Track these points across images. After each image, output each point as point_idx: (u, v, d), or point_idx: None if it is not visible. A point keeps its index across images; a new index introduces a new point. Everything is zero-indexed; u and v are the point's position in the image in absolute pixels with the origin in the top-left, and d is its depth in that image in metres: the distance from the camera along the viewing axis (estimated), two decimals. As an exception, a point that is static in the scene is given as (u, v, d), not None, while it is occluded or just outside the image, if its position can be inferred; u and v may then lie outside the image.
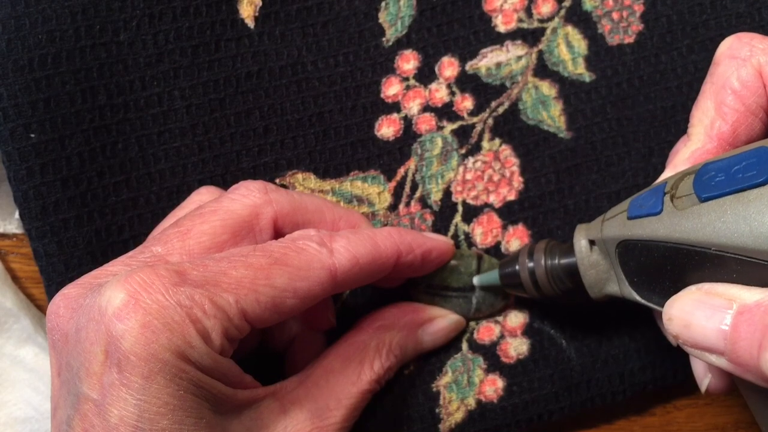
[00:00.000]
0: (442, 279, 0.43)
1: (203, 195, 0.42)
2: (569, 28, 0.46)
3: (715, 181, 0.31)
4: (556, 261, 0.40)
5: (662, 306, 0.34)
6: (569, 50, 0.46)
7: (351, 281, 0.38)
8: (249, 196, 0.39)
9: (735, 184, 0.31)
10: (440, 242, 0.43)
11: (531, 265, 0.41)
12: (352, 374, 0.40)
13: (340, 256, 0.37)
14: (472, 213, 0.45)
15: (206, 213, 0.38)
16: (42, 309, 0.47)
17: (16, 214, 0.44)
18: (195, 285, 0.34)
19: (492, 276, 0.43)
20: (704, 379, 0.39)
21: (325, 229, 0.39)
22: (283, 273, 0.36)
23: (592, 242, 0.38)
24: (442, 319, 0.44)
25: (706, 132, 0.37)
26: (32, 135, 0.42)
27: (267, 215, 0.39)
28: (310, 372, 0.40)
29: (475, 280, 0.44)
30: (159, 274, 0.33)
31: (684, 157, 0.37)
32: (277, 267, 0.35)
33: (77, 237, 0.42)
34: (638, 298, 0.37)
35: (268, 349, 0.43)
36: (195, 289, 0.34)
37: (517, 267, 0.41)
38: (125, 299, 0.33)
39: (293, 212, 0.40)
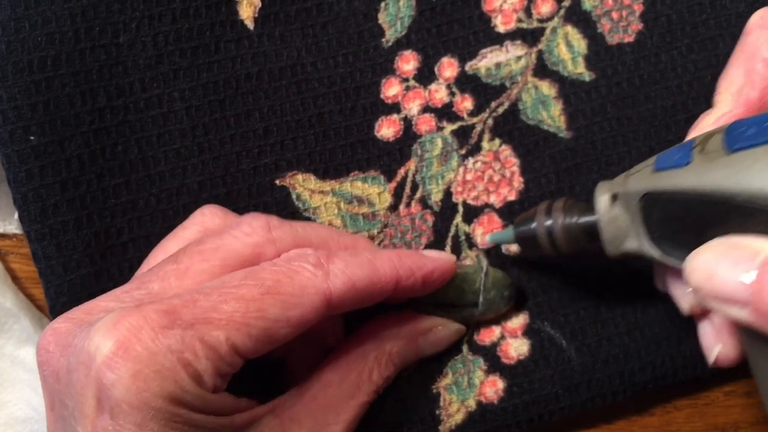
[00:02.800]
0: (445, 297, 0.43)
1: (207, 217, 0.41)
2: (569, 28, 0.46)
3: (746, 134, 0.31)
4: (575, 218, 0.39)
5: (682, 261, 0.33)
6: (569, 50, 0.46)
7: (346, 305, 0.38)
8: (252, 235, 0.38)
9: (767, 136, 0.30)
10: (442, 262, 0.42)
11: (549, 223, 0.40)
12: (350, 386, 0.40)
13: (336, 279, 0.37)
14: (472, 213, 0.45)
15: (207, 250, 0.37)
16: (42, 309, 0.47)
17: (16, 215, 0.44)
18: (185, 326, 0.33)
19: (506, 234, 0.42)
20: (714, 348, 0.39)
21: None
22: (276, 302, 0.35)
23: (614, 198, 0.38)
24: (443, 328, 0.43)
25: (734, 98, 0.37)
26: (32, 137, 0.42)
27: (269, 255, 0.38)
28: (309, 385, 0.39)
29: (488, 239, 0.43)
30: (148, 317, 0.33)
31: (710, 121, 0.37)
32: (269, 296, 0.35)
33: (76, 239, 0.42)
34: (658, 254, 0.36)
35: (266, 358, 0.43)
36: (185, 330, 0.33)
37: (533, 224, 0.41)
38: (114, 348, 0.32)
39: (296, 248, 0.39)
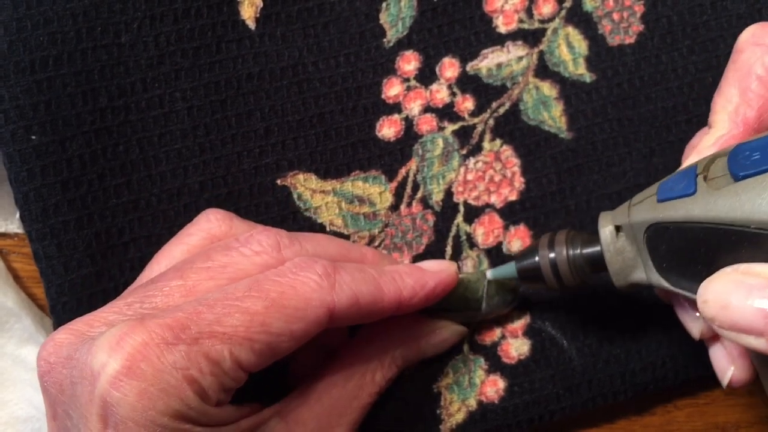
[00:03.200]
0: (448, 305, 0.43)
1: (212, 223, 0.40)
2: (570, 29, 0.46)
3: (750, 159, 0.31)
4: (578, 251, 0.39)
5: (692, 291, 0.33)
6: (570, 51, 0.46)
7: (347, 320, 0.37)
8: (261, 254, 0.37)
9: None
10: (444, 275, 0.41)
11: (552, 256, 0.39)
12: (354, 388, 0.40)
13: (342, 292, 0.36)
14: (473, 213, 0.45)
15: (214, 268, 0.37)
16: (43, 309, 0.47)
17: (18, 214, 0.44)
18: (189, 341, 0.33)
19: (507, 269, 0.42)
20: (727, 370, 0.38)
21: None
22: (280, 316, 0.35)
23: (618, 229, 0.37)
24: (445, 330, 0.43)
25: (730, 118, 0.36)
26: (33, 137, 0.42)
27: None
28: (313, 387, 0.39)
29: (489, 274, 0.43)
30: (152, 333, 0.33)
31: (708, 143, 0.36)
32: (273, 310, 0.35)
33: (77, 239, 0.42)
34: (666, 284, 0.36)
35: None
36: (190, 346, 0.33)
37: (536, 258, 0.40)
38: (118, 366, 0.32)
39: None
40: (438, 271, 0.41)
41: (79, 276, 0.42)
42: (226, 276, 0.37)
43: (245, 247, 0.38)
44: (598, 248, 0.38)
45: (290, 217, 0.44)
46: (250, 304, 0.34)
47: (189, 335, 0.33)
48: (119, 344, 0.33)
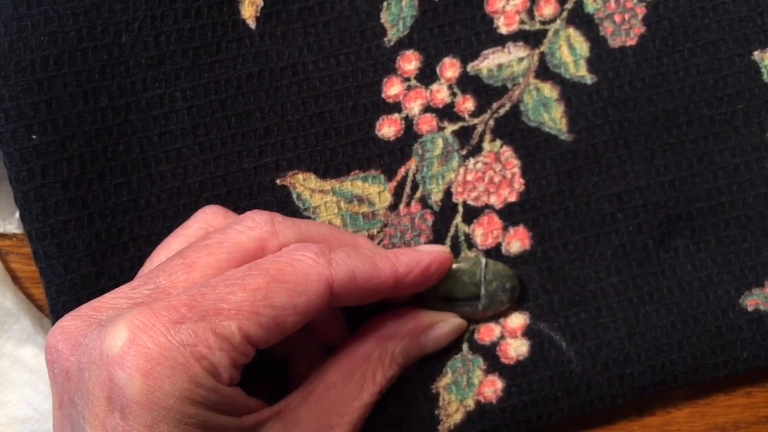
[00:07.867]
0: (446, 290, 0.43)
1: (208, 215, 0.41)
2: (571, 30, 0.46)
3: None
4: None
5: None
6: (571, 52, 0.46)
7: (347, 297, 0.38)
8: (256, 229, 0.38)
9: None
10: (436, 254, 0.42)
11: None
12: (354, 388, 0.40)
13: (338, 267, 0.37)
14: (472, 214, 0.45)
15: (212, 245, 0.38)
16: (42, 309, 0.47)
17: (17, 214, 0.44)
18: (196, 319, 0.34)
19: None
20: None
21: None
22: (282, 290, 0.35)
23: None
24: (444, 324, 0.43)
25: None
26: (33, 136, 0.42)
27: (272, 249, 0.38)
28: (312, 386, 0.40)
29: None
30: (158, 313, 0.33)
31: None
32: (275, 285, 0.35)
33: (77, 239, 0.42)
34: None
35: (269, 357, 0.43)
36: (197, 323, 0.33)
37: None
38: (126, 346, 0.32)
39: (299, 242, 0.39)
40: (431, 250, 0.42)
41: (79, 275, 0.42)
42: (224, 250, 0.37)
43: (239, 225, 0.39)
44: None
45: (289, 216, 0.44)
46: (251, 281, 0.35)
47: (195, 314, 0.34)
48: (126, 326, 0.33)
